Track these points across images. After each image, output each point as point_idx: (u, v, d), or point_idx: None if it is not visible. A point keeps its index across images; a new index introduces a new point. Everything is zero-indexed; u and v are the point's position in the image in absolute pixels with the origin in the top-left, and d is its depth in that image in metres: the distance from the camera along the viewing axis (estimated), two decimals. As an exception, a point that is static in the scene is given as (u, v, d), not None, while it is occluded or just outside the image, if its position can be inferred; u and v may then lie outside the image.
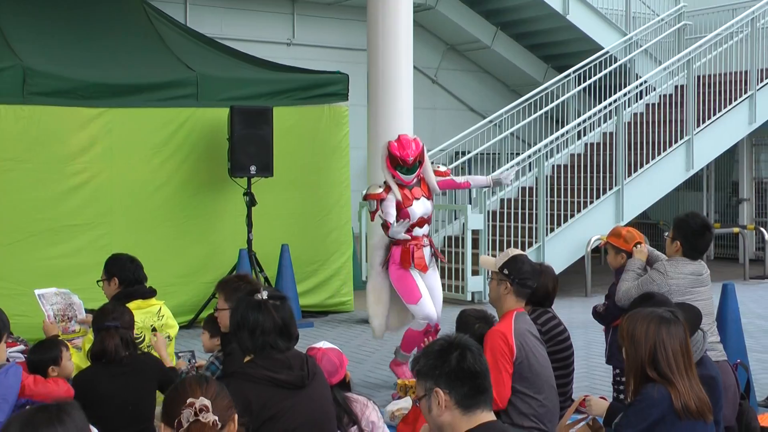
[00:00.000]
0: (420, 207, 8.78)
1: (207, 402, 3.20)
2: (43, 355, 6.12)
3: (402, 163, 8.64)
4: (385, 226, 8.74)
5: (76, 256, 11.13)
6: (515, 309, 5.95)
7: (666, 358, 4.45)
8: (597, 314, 7.56)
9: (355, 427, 5.22)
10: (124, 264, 7.14)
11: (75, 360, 6.42)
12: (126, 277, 7.06)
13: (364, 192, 9.01)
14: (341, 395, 5.29)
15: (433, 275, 8.88)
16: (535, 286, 6.16)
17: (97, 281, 7.25)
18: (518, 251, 6.15)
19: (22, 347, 7.34)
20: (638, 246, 7.34)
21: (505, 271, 5.98)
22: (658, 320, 4.49)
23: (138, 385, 5.75)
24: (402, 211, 8.70)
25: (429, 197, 8.89)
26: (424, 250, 8.80)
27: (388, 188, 8.76)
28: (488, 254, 14.13)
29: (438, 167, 9.04)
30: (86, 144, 11.29)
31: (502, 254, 6.14)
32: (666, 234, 7.12)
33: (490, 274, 6.13)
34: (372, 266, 9.14)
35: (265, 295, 4.63)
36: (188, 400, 3.20)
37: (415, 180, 8.74)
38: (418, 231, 8.78)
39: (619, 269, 7.47)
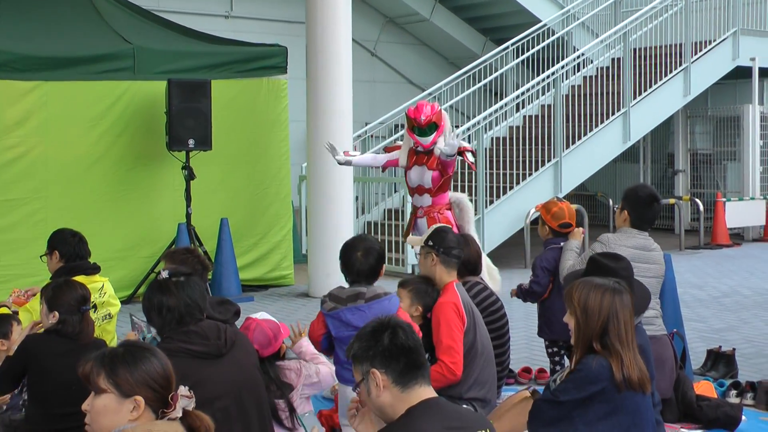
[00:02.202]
0: (417, 174, 8.85)
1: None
2: None
3: (416, 123, 8.72)
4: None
5: (10, 231, 10.96)
6: (451, 280, 5.99)
7: (617, 329, 4.45)
8: (521, 292, 7.65)
9: (283, 400, 5.28)
10: (65, 238, 7.06)
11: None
12: (67, 251, 6.98)
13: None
14: (273, 367, 5.38)
15: None
16: (461, 255, 6.22)
17: (41, 256, 7.16)
18: (441, 225, 6.22)
19: None
20: (576, 229, 7.47)
21: (430, 243, 6.06)
22: (612, 291, 4.49)
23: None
24: (406, 175, 8.99)
25: (432, 168, 8.79)
26: (417, 222, 8.84)
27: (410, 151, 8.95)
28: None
29: (464, 145, 8.83)
30: (20, 118, 11.09)
31: (429, 230, 6.22)
32: (616, 207, 7.23)
33: (419, 251, 6.17)
34: None
35: (165, 274, 4.66)
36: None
37: (432, 145, 8.76)
38: (416, 198, 8.91)
39: (547, 241, 7.57)
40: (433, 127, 8.72)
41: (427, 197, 8.81)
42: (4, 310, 6.99)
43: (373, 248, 5.58)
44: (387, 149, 9.44)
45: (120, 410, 3.36)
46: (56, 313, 5.42)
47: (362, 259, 5.55)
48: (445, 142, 8.61)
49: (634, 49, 16.82)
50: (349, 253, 5.59)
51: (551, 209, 7.61)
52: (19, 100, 11.09)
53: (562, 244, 7.43)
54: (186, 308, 4.57)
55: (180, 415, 3.36)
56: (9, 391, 5.69)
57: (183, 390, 3.40)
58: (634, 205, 6.80)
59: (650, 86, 16.67)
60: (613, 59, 17.80)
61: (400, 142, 9.29)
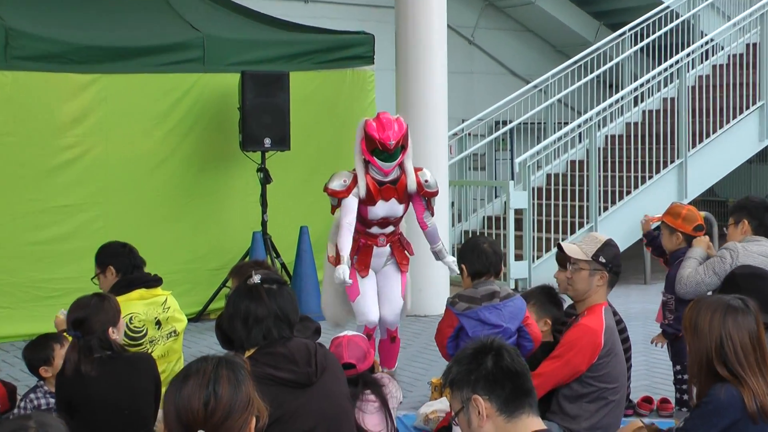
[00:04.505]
0: (384, 209, 8.30)
1: None
2: (33, 355, 6.29)
3: (381, 147, 8.02)
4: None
5: (66, 241, 11.09)
6: (603, 303, 5.95)
7: (734, 352, 4.35)
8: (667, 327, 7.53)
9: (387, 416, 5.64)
10: (116, 250, 7.11)
11: None
12: (122, 263, 7.03)
13: (327, 183, 8.35)
14: (374, 384, 5.83)
15: (392, 276, 8.62)
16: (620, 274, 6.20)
17: (92, 279, 7.21)
18: (605, 236, 6.13)
19: None
20: (703, 237, 7.36)
21: (602, 259, 5.94)
22: (725, 309, 4.41)
23: (131, 386, 5.67)
24: (361, 209, 8.21)
25: (402, 201, 8.31)
26: (375, 251, 8.43)
27: (354, 181, 8.20)
28: (533, 236, 14.03)
29: (425, 176, 8.34)
30: (77, 115, 11.22)
31: (586, 240, 6.12)
32: (725, 227, 7.18)
33: (572, 264, 6.04)
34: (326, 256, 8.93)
35: (257, 279, 4.56)
36: None
37: (394, 171, 8.17)
38: (375, 230, 8.38)
39: (673, 253, 7.43)
40: (400, 149, 8.13)
41: (391, 227, 8.46)
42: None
43: (496, 242, 6.39)
44: (329, 191, 8.30)
45: None
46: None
47: (490, 249, 6.32)
48: (449, 263, 8.39)
49: (773, 33, 16.52)
50: (475, 246, 6.39)
51: (680, 212, 7.49)
52: (75, 96, 11.22)
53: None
54: (275, 321, 4.50)
55: None
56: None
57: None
58: (753, 213, 6.96)
59: (791, 75, 16.34)
60: (747, 45, 17.44)
61: (342, 182, 8.25)
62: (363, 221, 8.31)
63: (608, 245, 6.06)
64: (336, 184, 8.23)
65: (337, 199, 8.27)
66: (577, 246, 6.06)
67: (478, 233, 15.27)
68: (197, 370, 3.25)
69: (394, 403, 5.97)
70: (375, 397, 5.82)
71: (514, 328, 6.34)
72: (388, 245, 8.49)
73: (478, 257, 6.38)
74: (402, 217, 8.46)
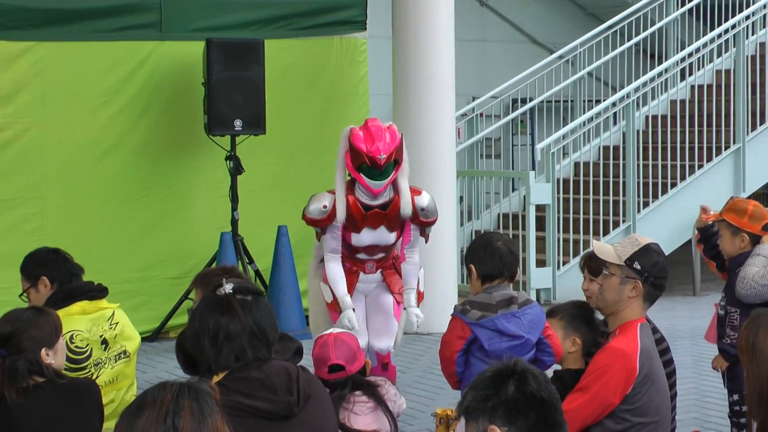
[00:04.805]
0: (371, 237, 8.26)
1: None
2: None
3: (369, 162, 7.90)
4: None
5: (-4, 243, 11.11)
6: (639, 319, 5.89)
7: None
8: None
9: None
10: (46, 257, 7.11)
11: None
12: (57, 271, 7.03)
13: (305, 207, 8.32)
14: (370, 386, 5.99)
15: (382, 295, 8.63)
16: (665, 288, 6.15)
17: (20, 295, 7.19)
18: (648, 239, 6.08)
19: None
20: None
21: (637, 266, 5.89)
22: None
23: (68, 420, 5.65)
24: (345, 234, 8.18)
25: (394, 228, 8.26)
26: (362, 277, 8.45)
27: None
28: (558, 238, 14.04)
29: (423, 202, 8.27)
30: (7, 91, 11.24)
31: (624, 242, 6.05)
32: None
33: (607, 268, 6.03)
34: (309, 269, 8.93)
35: (229, 288, 4.55)
36: None
37: (385, 192, 8.08)
38: (362, 255, 8.36)
39: (736, 259, 7.40)
40: (392, 165, 8.03)
41: (382, 253, 8.46)
42: None
43: (511, 240, 6.28)
44: (307, 220, 8.32)
45: None
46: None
47: (505, 248, 6.25)
48: (411, 315, 8.41)
49: None
50: (488, 243, 6.31)
51: (746, 209, 7.44)
52: (5, 68, 11.22)
53: None
54: (250, 340, 4.47)
55: None
56: None
57: None
58: None
59: None
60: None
61: (322, 207, 8.19)
62: (347, 246, 8.31)
63: (648, 250, 5.94)
64: (314, 210, 8.20)
65: (319, 228, 8.27)
66: (612, 247, 6.04)
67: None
68: (154, 399, 3.23)
69: (396, 409, 6.08)
70: (368, 398, 5.91)
71: (534, 339, 6.37)
72: (378, 272, 8.49)
73: (491, 257, 6.33)
74: (395, 243, 8.43)
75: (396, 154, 8.02)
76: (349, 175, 8.14)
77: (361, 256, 8.38)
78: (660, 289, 5.99)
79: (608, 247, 6.05)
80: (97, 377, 6.74)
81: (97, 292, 7.08)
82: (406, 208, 8.13)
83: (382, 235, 8.26)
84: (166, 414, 3.17)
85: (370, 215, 8.11)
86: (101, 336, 6.96)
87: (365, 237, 8.24)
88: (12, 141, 11.28)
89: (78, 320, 6.87)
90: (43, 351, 5.53)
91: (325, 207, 8.14)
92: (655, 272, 5.89)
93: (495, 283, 6.34)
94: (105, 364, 6.95)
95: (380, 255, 8.43)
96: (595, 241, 6.17)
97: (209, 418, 3.22)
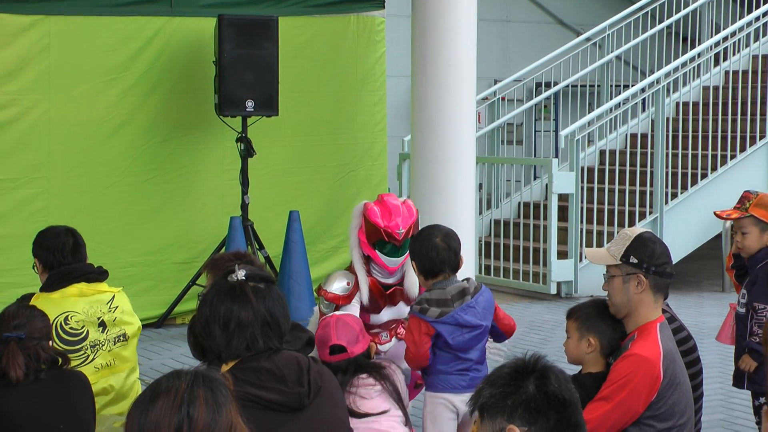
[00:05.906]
0: (390, 314, 8.05)
1: None
2: None
3: (387, 238, 7.60)
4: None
5: (-1, 225, 11.18)
6: (657, 319, 5.86)
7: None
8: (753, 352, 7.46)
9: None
10: (45, 241, 7.17)
11: None
12: (46, 258, 7.10)
13: (324, 281, 7.96)
14: (377, 368, 6.20)
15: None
16: (674, 274, 6.10)
17: (33, 266, 7.29)
18: (641, 229, 6.08)
19: None
20: None
21: (633, 260, 5.88)
22: None
23: (68, 403, 5.74)
24: (362, 315, 7.83)
25: (412, 300, 7.85)
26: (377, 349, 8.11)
27: (357, 285, 7.84)
28: (581, 228, 14.04)
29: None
30: (13, 67, 11.28)
31: (615, 240, 6.03)
32: None
33: (607, 271, 6.03)
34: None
35: (242, 275, 4.58)
36: None
37: (400, 268, 7.76)
38: (376, 330, 8.11)
39: (754, 255, 7.38)
40: (408, 241, 7.63)
41: (394, 324, 8.20)
42: None
43: (452, 233, 6.62)
44: (326, 295, 7.88)
45: None
46: None
47: (443, 244, 6.49)
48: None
49: None
50: (424, 239, 6.63)
51: None
52: (10, 42, 11.27)
53: None
54: (263, 328, 4.48)
55: None
56: None
57: None
58: None
59: None
60: None
61: (343, 284, 7.87)
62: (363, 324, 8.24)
63: (641, 240, 5.90)
64: (337, 287, 7.85)
65: (334, 305, 7.96)
66: (605, 250, 6.03)
67: (511, 223, 15.31)
68: (168, 388, 3.25)
69: (404, 390, 6.25)
70: (375, 380, 6.03)
71: (489, 323, 6.71)
72: (393, 339, 8.42)
73: (428, 254, 6.58)
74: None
75: (414, 230, 7.67)
76: (363, 253, 7.86)
77: (375, 330, 8.17)
78: (666, 276, 5.93)
79: (600, 251, 6.06)
80: (93, 359, 6.84)
81: (96, 274, 7.13)
82: (411, 288, 7.77)
83: (401, 310, 8.05)
84: (181, 403, 3.20)
85: (389, 294, 7.91)
86: (99, 318, 7.01)
87: (385, 315, 8.08)
88: (17, 119, 11.33)
89: (74, 302, 6.94)
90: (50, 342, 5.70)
91: (348, 284, 7.86)
92: (653, 260, 5.86)
93: (439, 278, 6.52)
94: (103, 345, 7.01)
95: (394, 325, 8.27)
96: (587, 249, 6.22)
97: (224, 408, 3.24)
